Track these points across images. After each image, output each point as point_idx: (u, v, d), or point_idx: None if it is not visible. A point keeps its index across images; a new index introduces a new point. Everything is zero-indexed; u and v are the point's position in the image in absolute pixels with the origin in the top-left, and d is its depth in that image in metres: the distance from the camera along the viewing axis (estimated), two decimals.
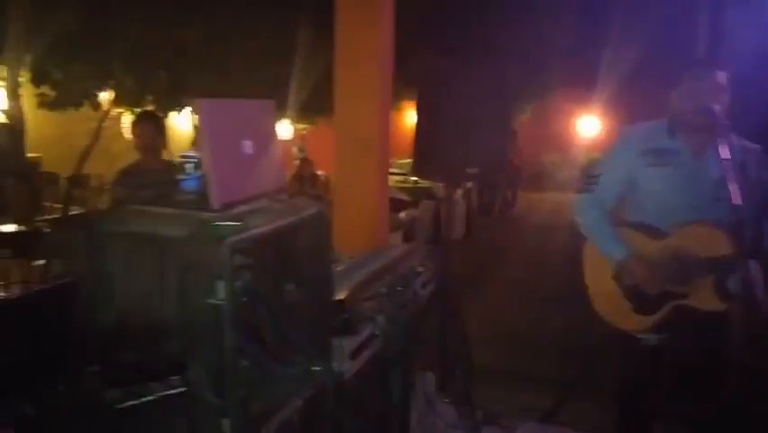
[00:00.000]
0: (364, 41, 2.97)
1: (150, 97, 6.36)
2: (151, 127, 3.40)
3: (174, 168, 3.63)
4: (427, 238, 6.30)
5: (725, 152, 2.11)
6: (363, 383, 2.05)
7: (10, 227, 5.10)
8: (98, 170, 7.20)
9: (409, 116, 12.96)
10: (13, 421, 1.02)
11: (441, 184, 7.11)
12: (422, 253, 2.61)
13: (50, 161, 8.05)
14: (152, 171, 3.36)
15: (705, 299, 2.25)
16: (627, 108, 8.90)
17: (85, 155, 6.84)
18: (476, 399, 3.09)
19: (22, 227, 5.22)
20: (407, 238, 5.86)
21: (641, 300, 2.40)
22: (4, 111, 5.95)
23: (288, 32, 6.68)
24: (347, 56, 3.01)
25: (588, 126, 16.23)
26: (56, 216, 6.71)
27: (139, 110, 6.69)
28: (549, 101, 12.58)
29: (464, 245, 7.19)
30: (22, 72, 6.01)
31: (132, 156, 3.50)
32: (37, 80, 5.87)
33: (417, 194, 7.24)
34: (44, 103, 5.90)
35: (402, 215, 6.09)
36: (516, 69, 5.25)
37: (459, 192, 7.30)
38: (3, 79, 6.10)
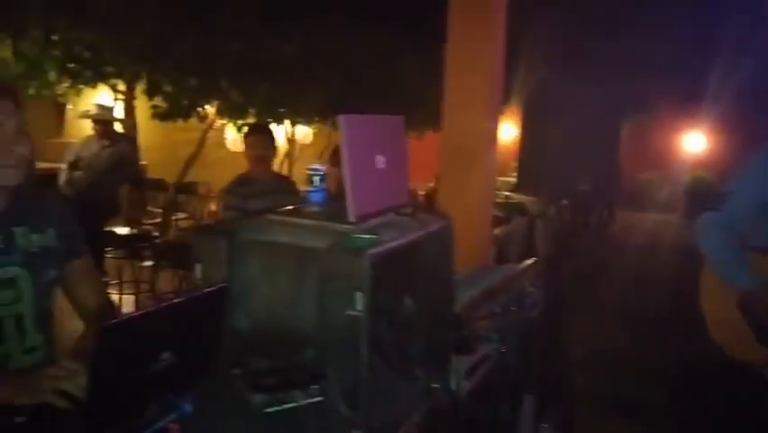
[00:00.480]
0: (476, 55, 2.96)
1: (252, 110, 6.63)
2: (263, 139, 3.52)
3: (282, 179, 3.76)
4: (519, 256, 6.17)
5: None
6: (475, 404, 2.02)
7: (123, 230, 5.47)
8: (198, 178, 7.58)
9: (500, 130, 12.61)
10: (178, 419, 1.07)
11: (534, 199, 6.98)
12: (534, 273, 2.55)
13: (153, 167, 8.57)
14: (262, 182, 3.48)
15: None
16: (738, 123, 8.37)
17: (189, 163, 7.22)
18: (577, 425, 2.97)
19: (134, 230, 5.58)
20: (500, 255, 5.75)
21: None
22: (121, 121, 6.39)
23: (382, 46, 6.78)
24: (458, 70, 3.01)
25: (691, 143, 15.17)
26: (159, 220, 7.13)
27: (241, 122, 7.03)
28: (646, 115, 12.04)
29: (558, 264, 6.96)
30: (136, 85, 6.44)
31: (230, 165, 3.65)
32: (150, 93, 6.26)
33: (509, 209, 7.10)
34: (157, 114, 6.28)
35: (496, 231, 5.98)
36: (622, 83, 5.03)
37: (553, 209, 7.10)
38: (122, 93, 6.55)
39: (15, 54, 5.42)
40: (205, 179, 7.60)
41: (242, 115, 6.70)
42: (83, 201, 4.86)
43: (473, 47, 2.93)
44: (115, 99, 6.55)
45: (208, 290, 1.21)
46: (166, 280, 5.20)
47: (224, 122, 7.17)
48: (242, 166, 3.60)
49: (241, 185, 3.47)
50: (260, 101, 6.54)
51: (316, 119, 7.98)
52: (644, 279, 7.06)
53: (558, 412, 3.02)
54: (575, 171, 2.79)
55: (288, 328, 1.45)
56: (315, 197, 1.75)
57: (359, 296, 1.32)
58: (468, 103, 2.95)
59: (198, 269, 1.53)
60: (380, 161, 1.58)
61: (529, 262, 2.64)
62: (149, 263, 5.47)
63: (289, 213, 1.59)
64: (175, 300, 1.16)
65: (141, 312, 1.01)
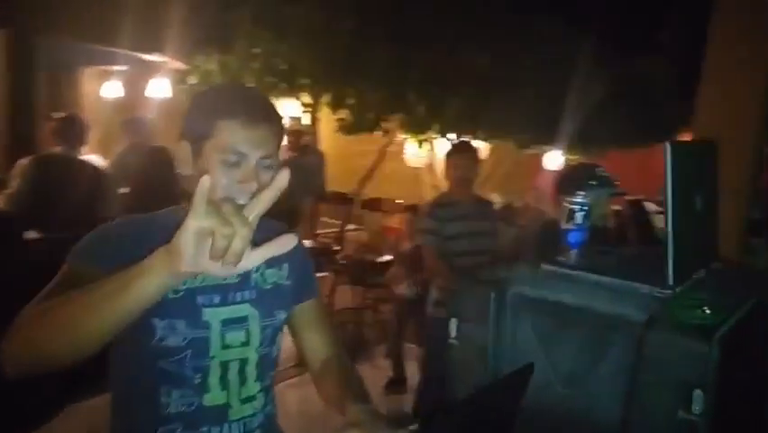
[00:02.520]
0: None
1: (436, 125, 6.42)
2: (467, 158, 3.24)
3: (483, 204, 3.45)
4: None
5: None
6: None
7: (305, 242, 5.53)
8: (372, 191, 7.56)
9: None
10: None
11: None
12: None
13: (328, 179, 8.73)
14: (463, 205, 3.21)
15: None
16: None
17: (368, 177, 7.22)
18: None
19: (314, 243, 5.63)
20: None
21: None
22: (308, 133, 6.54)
23: (584, 56, 6.21)
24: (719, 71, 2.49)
25: None
26: (335, 231, 7.18)
27: (423, 137, 6.86)
28: None
29: None
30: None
31: (404, 180, 3.39)
32: (335, 106, 6.31)
33: None
34: (342, 127, 6.31)
35: None
36: None
37: None
38: (308, 105, 6.70)
39: (220, 67, 5.74)
40: (378, 193, 7.57)
41: (425, 129, 6.52)
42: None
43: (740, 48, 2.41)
44: (303, 111, 6.72)
45: (509, 374, 0.91)
46: (342, 295, 5.15)
47: (405, 136, 7.05)
48: (417, 181, 3.36)
49: (440, 207, 3.21)
50: (447, 116, 6.30)
51: (500, 135, 7.56)
52: None
53: None
54: None
55: (575, 417, 1.12)
56: (575, 237, 1.41)
57: (698, 395, 0.95)
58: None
59: (454, 326, 1.26)
60: (698, 201, 1.19)
61: None
62: (325, 274, 5.47)
63: (568, 264, 1.26)
64: (467, 397, 0.86)
65: (427, 417, 0.73)
